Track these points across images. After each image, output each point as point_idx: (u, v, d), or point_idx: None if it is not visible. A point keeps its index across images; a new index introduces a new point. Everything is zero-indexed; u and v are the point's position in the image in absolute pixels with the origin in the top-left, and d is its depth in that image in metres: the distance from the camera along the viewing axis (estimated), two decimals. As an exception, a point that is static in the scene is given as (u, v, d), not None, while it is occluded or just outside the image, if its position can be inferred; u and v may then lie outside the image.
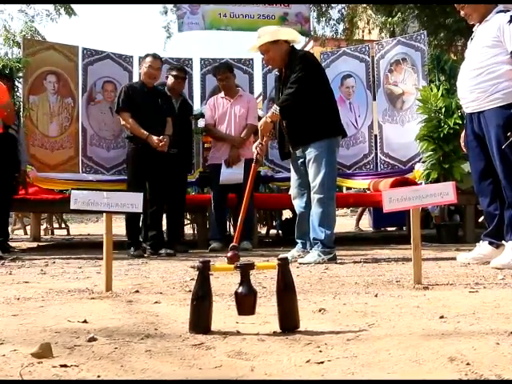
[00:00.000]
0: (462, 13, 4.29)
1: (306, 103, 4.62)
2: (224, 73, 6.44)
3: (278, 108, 4.63)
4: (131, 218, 5.48)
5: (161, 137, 5.50)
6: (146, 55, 5.79)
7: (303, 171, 4.78)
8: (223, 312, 2.36)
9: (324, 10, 12.27)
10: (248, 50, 5.06)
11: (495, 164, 4.04)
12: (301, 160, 4.78)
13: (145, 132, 5.48)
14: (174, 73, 6.34)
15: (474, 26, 4.29)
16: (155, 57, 5.75)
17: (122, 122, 5.68)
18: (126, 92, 5.64)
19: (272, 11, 8.51)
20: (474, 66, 4.13)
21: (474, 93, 4.11)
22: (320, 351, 1.76)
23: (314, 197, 4.64)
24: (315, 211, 4.62)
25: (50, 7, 11.33)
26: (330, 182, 4.68)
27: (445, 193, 3.13)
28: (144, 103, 5.57)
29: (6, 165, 5.83)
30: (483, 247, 4.21)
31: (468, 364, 1.58)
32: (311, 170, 4.67)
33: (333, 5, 12.61)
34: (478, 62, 4.10)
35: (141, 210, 3.18)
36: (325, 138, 4.65)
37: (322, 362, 1.64)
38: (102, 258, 3.09)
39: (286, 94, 4.64)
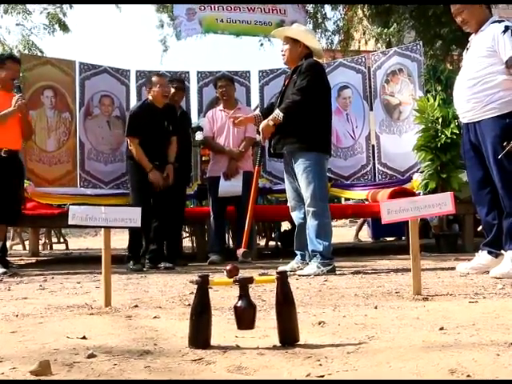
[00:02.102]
0: (458, 19, 4.26)
1: (305, 112, 4.64)
2: (226, 81, 6.51)
3: (282, 114, 4.65)
4: (135, 232, 5.47)
5: (165, 174, 5.60)
6: (149, 77, 5.91)
7: (297, 183, 4.78)
8: (223, 326, 2.35)
9: (320, 21, 12.29)
10: (273, 32, 5.29)
11: (492, 174, 4.05)
12: (293, 171, 4.77)
13: (149, 165, 5.55)
14: (175, 84, 6.36)
15: (469, 35, 4.30)
16: (160, 75, 5.94)
17: (130, 147, 5.74)
18: (133, 118, 5.70)
19: (269, 18, 8.53)
20: (469, 76, 4.14)
21: (470, 103, 4.12)
22: (320, 365, 1.75)
23: (308, 210, 4.64)
24: (311, 224, 4.63)
25: (47, 21, 11.35)
26: (322, 193, 4.69)
27: (443, 203, 3.13)
28: (150, 127, 5.61)
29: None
30: (482, 257, 4.20)
31: (468, 376, 1.57)
32: (301, 182, 4.68)
33: (328, 16, 12.65)
34: (473, 72, 4.11)
35: (139, 225, 3.17)
36: (314, 151, 4.67)
37: (323, 376, 1.64)
38: (100, 273, 3.08)
39: (291, 101, 4.65)
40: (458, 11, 4.25)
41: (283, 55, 4.92)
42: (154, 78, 5.75)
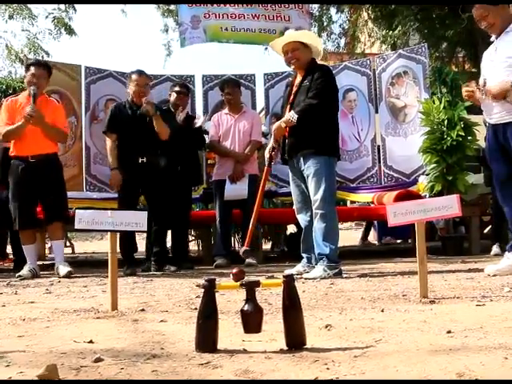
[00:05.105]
0: (483, 24, 4.17)
1: (318, 116, 4.64)
2: (232, 87, 6.49)
3: (296, 116, 4.63)
4: (125, 237, 5.38)
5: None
6: (132, 72, 5.69)
7: (304, 185, 4.78)
8: (229, 330, 2.35)
9: (325, 24, 12.32)
10: (271, 44, 5.07)
11: None
12: (301, 174, 4.77)
13: (115, 164, 5.49)
14: (177, 89, 6.36)
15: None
16: (140, 73, 5.63)
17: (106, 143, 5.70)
18: (113, 113, 5.64)
19: (273, 26, 8.52)
20: (498, 78, 4.08)
21: (498, 106, 4.09)
22: (327, 368, 1.75)
23: (316, 212, 4.63)
24: (318, 226, 4.61)
25: (52, 26, 11.43)
26: (331, 196, 4.68)
27: (449, 206, 3.12)
28: (131, 124, 5.51)
29: None
30: (511, 258, 4.15)
31: (477, 380, 1.57)
32: (311, 185, 4.66)
33: (334, 19, 12.69)
34: (503, 75, 4.06)
35: (145, 229, 3.17)
36: (325, 154, 4.66)
37: (330, 380, 1.63)
38: (107, 276, 3.09)
39: (308, 104, 4.63)
40: (481, 16, 4.18)
41: (296, 60, 4.79)
42: (133, 76, 5.60)
